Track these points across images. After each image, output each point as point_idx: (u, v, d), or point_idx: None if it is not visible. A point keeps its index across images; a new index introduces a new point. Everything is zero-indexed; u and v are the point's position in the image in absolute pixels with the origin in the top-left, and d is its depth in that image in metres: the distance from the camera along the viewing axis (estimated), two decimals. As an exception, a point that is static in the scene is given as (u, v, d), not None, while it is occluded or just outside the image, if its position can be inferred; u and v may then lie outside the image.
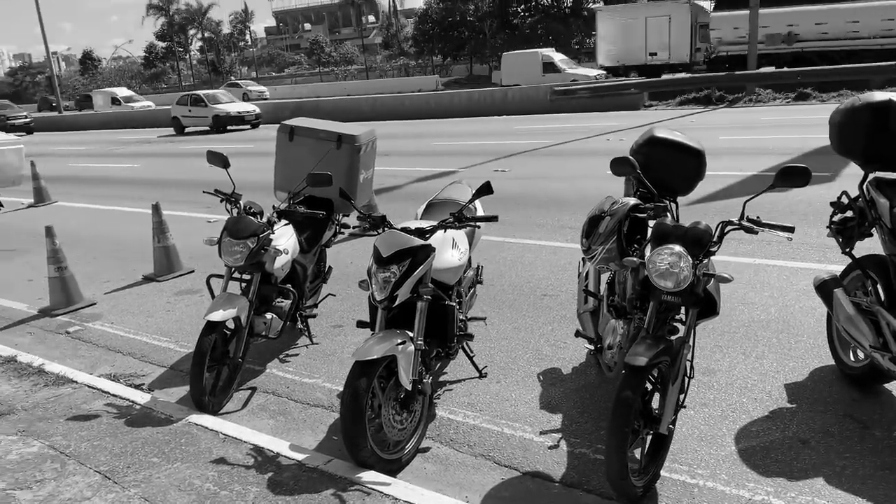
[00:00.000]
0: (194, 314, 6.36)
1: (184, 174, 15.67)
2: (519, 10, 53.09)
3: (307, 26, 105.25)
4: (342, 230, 5.79)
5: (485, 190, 3.72)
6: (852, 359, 4.10)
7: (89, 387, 4.83)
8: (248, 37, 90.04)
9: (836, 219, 3.99)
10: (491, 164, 13.20)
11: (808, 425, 3.72)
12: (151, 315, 6.44)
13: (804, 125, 14.46)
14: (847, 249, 3.90)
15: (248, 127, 28.47)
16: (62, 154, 23.24)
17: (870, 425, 3.66)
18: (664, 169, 4.20)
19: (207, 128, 28.24)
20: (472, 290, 4.74)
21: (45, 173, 13.86)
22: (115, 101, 40.60)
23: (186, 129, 29.25)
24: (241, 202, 4.79)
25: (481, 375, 4.55)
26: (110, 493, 3.49)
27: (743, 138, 13.08)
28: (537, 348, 4.98)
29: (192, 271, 7.63)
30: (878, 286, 3.71)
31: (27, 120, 37.00)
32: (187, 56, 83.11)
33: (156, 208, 7.47)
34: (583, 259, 4.69)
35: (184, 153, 20.10)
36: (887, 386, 3.99)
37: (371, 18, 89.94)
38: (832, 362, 4.29)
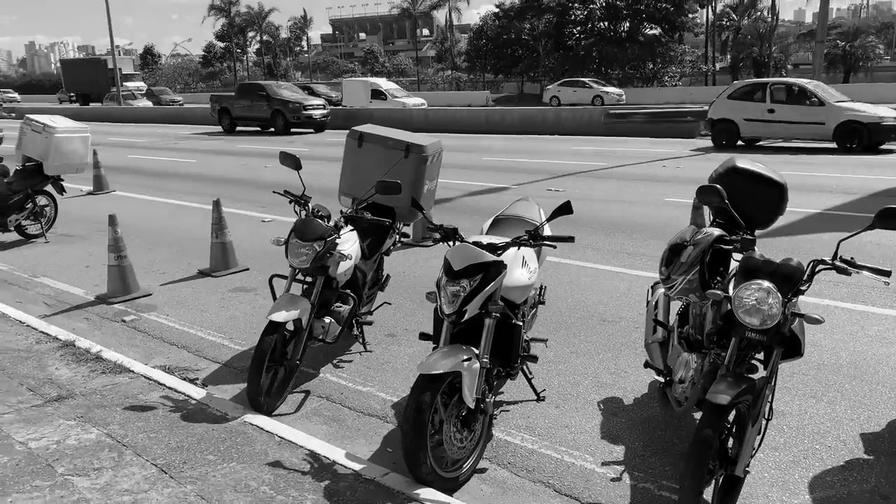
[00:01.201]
0: (248, 312, 6.37)
1: (238, 172, 15.86)
2: (575, 31, 52.94)
3: (362, 35, 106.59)
4: (402, 239, 5.75)
5: (564, 209, 3.64)
6: (936, 413, 3.91)
7: (145, 377, 4.84)
8: (304, 42, 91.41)
9: (926, 265, 3.82)
10: (543, 182, 13.10)
11: (887, 479, 3.54)
12: (206, 310, 6.47)
13: (864, 165, 14.09)
14: None
15: (311, 130, 27.20)
16: (121, 145, 23.74)
17: (955, 485, 3.48)
18: (745, 200, 4.07)
19: (259, 127, 27.41)
20: (533, 311, 4.65)
21: (105, 163, 14.16)
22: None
23: (238, 127, 28.17)
24: (309, 205, 4.79)
25: (539, 399, 4.45)
26: (167, 487, 3.47)
27: (800, 174, 12.78)
28: (597, 375, 4.86)
29: (248, 269, 7.67)
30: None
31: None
32: (244, 57, 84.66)
33: (216, 204, 7.53)
34: (652, 287, 4.59)
35: (238, 152, 20.38)
36: (973, 445, 3.79)
37: (426, 32, 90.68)
38: (912, 415, 4.10)
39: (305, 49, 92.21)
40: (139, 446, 3.87)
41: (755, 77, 50.01)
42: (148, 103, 46.01)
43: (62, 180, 9.73)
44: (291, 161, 4.91)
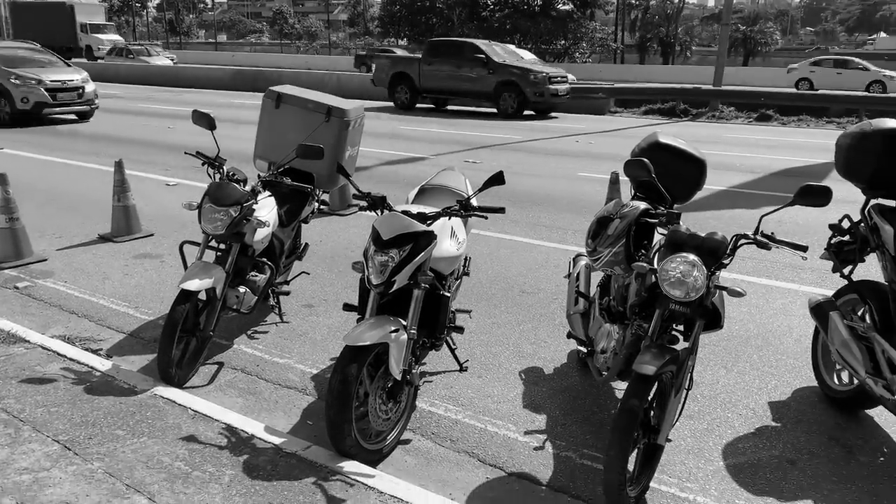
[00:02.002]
0: (154, 280, 6.06)
1: (138, 133, 15.07)
2: (489, 2, 52.87)
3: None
4: (321, 207, 5.58)
5: (496, 180, 3.58)
6: (837, 382, 4.12)
7: (43, 348, 4.52)
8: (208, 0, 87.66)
9: (833, 241, 3.99)
10: (461, 153, 13.06)
11: (794, 446, 3.71)
12: (108, 277, 6.11)
13: (767, 146, 14.75)
14: (844, 272, 3.91)
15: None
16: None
17: (855, 450, 3.68)
18: (666, 175, 4.12)
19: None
20: (458, 282, 4.60)
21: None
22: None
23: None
24: (224, 167, 4.55)
25: (462, 369, 4.43)
26: (71, 465, 3.24)
27: (708, 152, 13.24)
28: (518, 345, 4.88)
29: (152, 234, 7.29)
30: (874, 311, 3.72)
31: None
32: (144, 12, 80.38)
33: (118, 165, 7.10)
34: (573, 259, 4.62)
35: (141, 111, 19.36)
36: (870, 412, 4.02)
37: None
38: (814, 383, 4.31)
39: (210, 6, 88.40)
40: (38, 422, 3.60)
41: (662, 57, 51.50)
42: (167, 61, 38.80)
43: (-57, 135, 8.95)
44: (205, 120, 4.64)
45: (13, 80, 15.74)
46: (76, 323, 5.16)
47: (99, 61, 38.50)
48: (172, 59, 40.79)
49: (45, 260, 6.49)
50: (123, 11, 77.25)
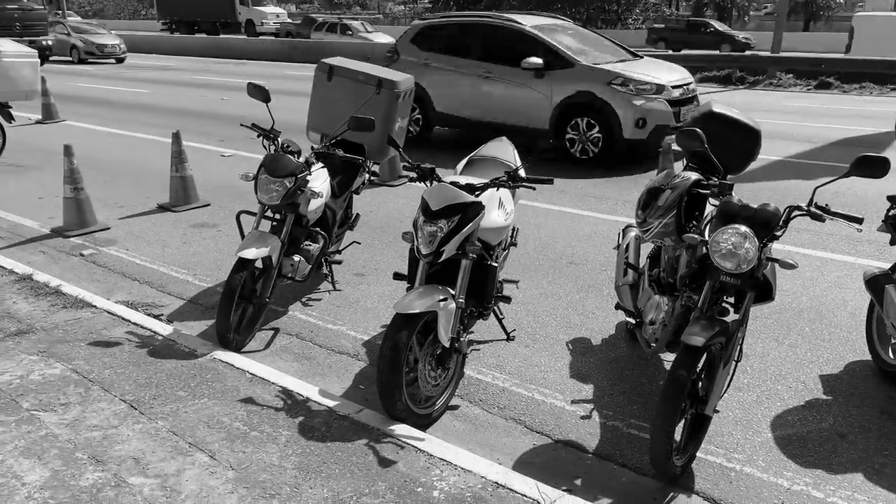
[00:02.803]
0: (212, 248, 6.25)
1: (194, 104, 15.36)
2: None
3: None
4: (372, 177, 5.65)
5: (545, 150, 3.59)
6: (892, 356, 4.06)
7: (108, 313, 4.73)
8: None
9: (891, 213, 3.91)
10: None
11: (844, 419, 3.68)
12: (167, 245, 6.33)
13: (827, 115, 14.28)
14: None
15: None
16: (65, 72, 22.76)
17: (908, 425, 3.63)
18: (719, 145, 4.07)
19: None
20: (506, 252, 4.64)
21: (51, 89, 13.57)
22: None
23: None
24: (279, 139, 4.65)
25: (509, 338, 4.48)
26: (137, 423, 3.42)
27: (764, 121, 12.90)
28: (565, 316, 4.91)
29: (209, 205, 7.49)
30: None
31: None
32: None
33: (176, 136, 7.29)
34: (623, 231, 4.61)
35: (197, 83, 19.71)
36: (925, 387, 3.96)
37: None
38: (868, 357, 4.25)
39: None
40: (106, 382, 3.80)
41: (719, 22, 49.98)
42: (388, 38, 30.07)
43: (10, 107, 9.30)
44: (260, 93, 4.73)
45: (623, 92, 8.98)
46: (138, 289, 5.37)
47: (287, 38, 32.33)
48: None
49: (108, 228, 6.75)
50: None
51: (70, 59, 26.75)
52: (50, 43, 24.76)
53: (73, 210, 6.63)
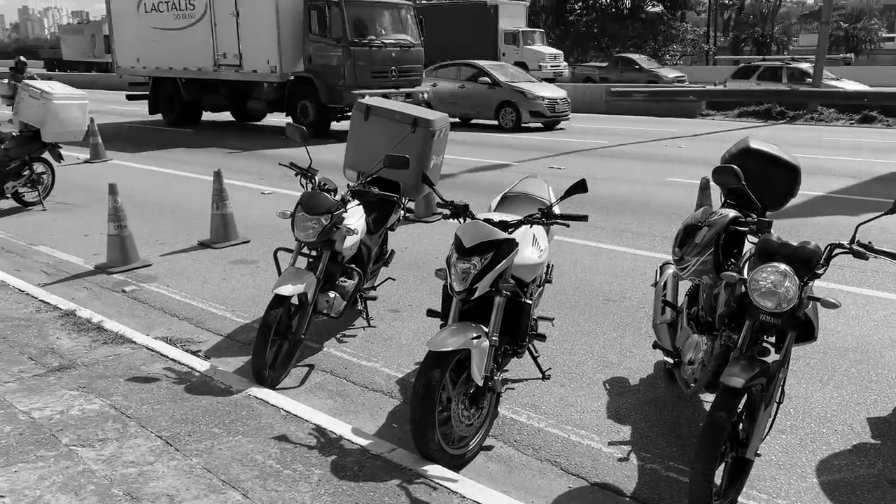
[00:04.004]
0: (250, 284, 6.32)
1: (236, 142, 15.71)
2: (576, 6, 52.38)
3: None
4: (406, 215, 5.70)
5: (579, 187, 3.59)
6: (943, 399, 3.91)
7: (147, 348, 4.80)
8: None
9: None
10: (545, 160, 13.01)
11: (895, 464, 3.54)
12: (207, 281, 6.42)
13: (869, 149, 14.03)
14: None
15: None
16: (115, 113, 23.48)
17: (963, 472, 3.48)
18: (757, 182, 4.01)
19: None
20: (541, 289, 4.61)
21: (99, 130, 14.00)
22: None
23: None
24: (316, 178, 4.72)
25: (545, 377, 4.43)
26: (172, 459, 3.44)
27: (804, 157, 12.71)
28: (602, 355, 4.84)
29: (248, 241, 7.61)
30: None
31: None
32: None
33: (217, 175, 7.45)
34: (660, 268, 4.55)
35: (239, 124, 20.17)
36: (980, 431, 3.79)
37: None
38: (918, 400, 4.10)
39: None
40: (143, 418, 3.84)
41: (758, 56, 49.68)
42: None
43: (60, 148, 9.62)
44: (298, 133, 4.83)
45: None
46: (177, 325, 5.45)
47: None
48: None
49: (150, 265, 6.88)
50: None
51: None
52: (427, 97, 17.12)
53: (117, 247, 6.78)
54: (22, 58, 17.93)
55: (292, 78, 16.28)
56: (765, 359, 3.22)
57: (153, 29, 18.45)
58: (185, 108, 18.97)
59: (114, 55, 20.24)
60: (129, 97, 20.70)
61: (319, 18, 15.76)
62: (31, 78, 13.92)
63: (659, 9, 50.42)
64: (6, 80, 15.43)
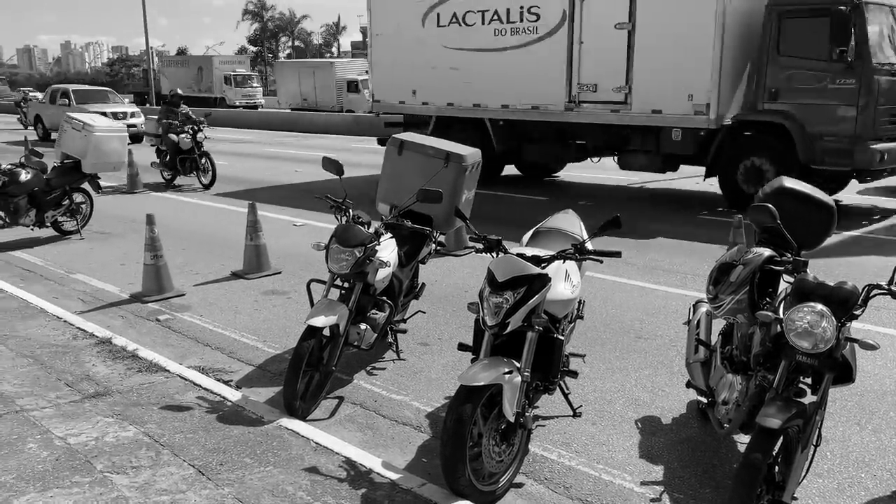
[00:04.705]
0: (281, 315, 6.39)
1: (268, 174, 15.96)
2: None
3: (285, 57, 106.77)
4: (438, 248, 5.73)
5: (613, 224, 3.60)
6: None
7: (180, 377, 4.87)
8: (335, 48, 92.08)
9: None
10: (576, 197, 13.02)
11: (937, 513, 3.45)
12: (239, 312, 6.50)
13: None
14: None
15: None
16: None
17: None
18: (792, 221, 3.99)
19: None
20: (572, 325, 4.60)
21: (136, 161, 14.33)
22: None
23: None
24: (350, 210, 4.79)
25: (576, 415, 4.39)
26: (204, 488, 3.47)
27: (839, 195, 12.59)
28: (634, 393, 4.79)
29: (280, 272, 7.70)
30: None
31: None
32: (276, 62, 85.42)
33: (252, 207, 7.58)
34: (693, 306, 4.52)
35: (269, 155, 20.52)
36: None
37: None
38: (961, 446, 3.99)
39: (336, 55, 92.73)
40: (176, 446, 3.88)
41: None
42: None
43: (99, 178, 9.87)
44: (334, 167, 4.92)
45: None
46: (210, 354, 5.51)
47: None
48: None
49: (184, 295, 6.99)
50: (256, 62, 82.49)
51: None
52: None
53: (152, 276, 6.90)
54: (178, 90, 15.52)
55: (730, 122, 10.65)
56: (801, 400, 3.17)
57: (449, 50, 13.21)
58: (493, 162, 13.30)
59: (370, 86, 15.29)
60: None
61: (810, 32, 9.83)
62: (186, 115, 13.92)
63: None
64: (157, 117, 14.49)
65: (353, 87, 37.97)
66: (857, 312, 3.09)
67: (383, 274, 4.75)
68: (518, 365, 3.56)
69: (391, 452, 4.06)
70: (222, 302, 6.79)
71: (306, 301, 4.82)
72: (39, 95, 34.19)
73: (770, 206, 3.52)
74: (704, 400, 3.97)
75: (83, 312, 6.42)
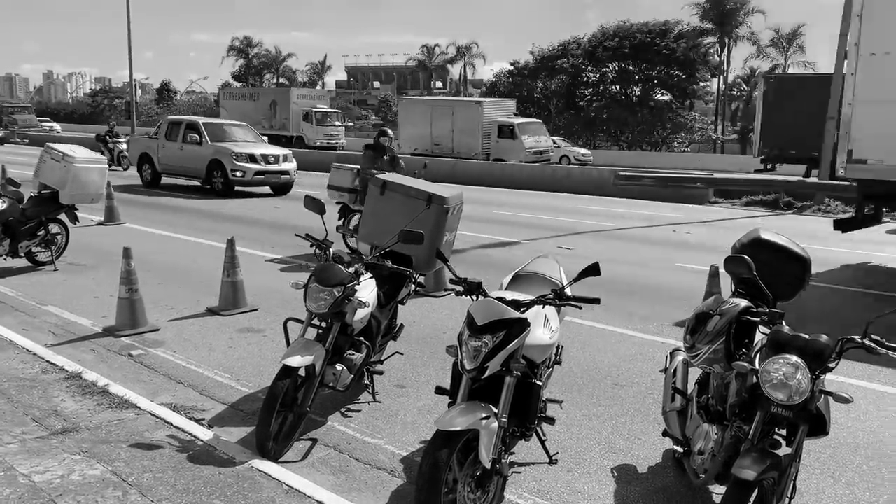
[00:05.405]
0: (256, 353, 6.31)
1: (243, 210, 15.92)
2: (587, 92, 53.81)
3: (376, 84, 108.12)
4: (417, 289, 5.73)
5: (592, 271, 3.63)
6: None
7: (152, 415, 4.78)
8: (319, 86, 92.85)
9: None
10: (554, 239, 13.12)
11: (910, 568, 3.44)
12: (213, 349, 6.42)
13: (880, 241, 14.11)
14: None
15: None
16: (133, 177, 23.90)
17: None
18: (768, 272, 4.05)
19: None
20: (550, 370, 4.59)
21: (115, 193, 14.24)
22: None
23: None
24: (330, 250, 4.78)
25: (552, 462, 4.36)
26: (171, 531, 3.38)
27: (811, 247, 12.78)
28: (610, 441, 4.78)
29: (256, 309, 7.63)
30: None
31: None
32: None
33: (230, 243, 7.54)
34: (670, 354, 4.54)
35: (245, 191, 20.47)
36: None
37: (439, 84, 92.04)
38: (933, 501, 4.01)
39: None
40: (144, 486, 3.78)
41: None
42: None
43: (76, 209, 9.78)
44: (316, 206, 4.93)
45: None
46: (182, 392, 5.42)
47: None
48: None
49: (158, 330, 6.89)
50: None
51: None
52: None
53: (127, 310, 6.81)
54: (390, 135, 11.01)
55: None
56: (776, 452, 3.18)
57: None
58: None
59: (846, 130, 9.33)
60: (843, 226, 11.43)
61: None
62: (392, 157, 10.53)
63: (667, 97, 51.71)
64: (355, 169, 10.85)
65: (506, 131, 32.70)
66: (832, 365, 3.12)
67: (362, 314, 4.73)
68: (495, 410, 3.54)
69: (364, 497, 3.99)
70: (197, 338, 6.70)
71: (282, 339, 4.78)
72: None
73: (746, 257, 3.57)
74: (680, 449, 3.96)
75: (53, 346, 6.31)
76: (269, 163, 18.87)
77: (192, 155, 19.07)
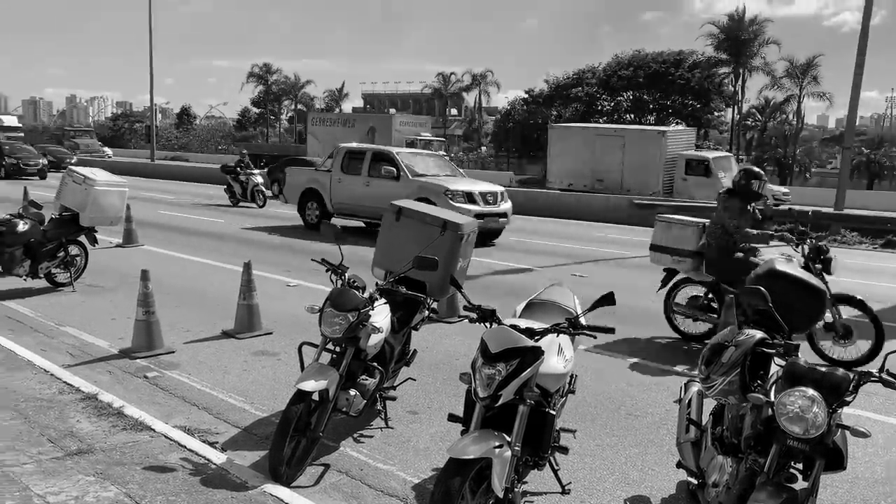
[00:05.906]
0: (270, 377, 6.34)
1: (264, 235, 16.03)
2: (601, 121, 54.01)
3: (392, 111, 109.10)
4: (431, 314, 5.75)
5: (607, 300, 3.64)
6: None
7: (166, 437, 4.80)
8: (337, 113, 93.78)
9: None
10: (568, 267, 13.11)
11: None
12: (228, 372, 6.45)
13: (893, 273, 14.00)
14: None
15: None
16: (151, 200, 24.17)
17: None
18: (783, 304, 4.04)
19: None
20: (563, 399, 4.58)
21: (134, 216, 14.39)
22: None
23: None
24: (346, 275, 4.82)
25: (564, 492, 4.32)
26: (183, 555, 3.38)
27: (829, 279, 12.68)
28: (623, 471, 4.74)
29: (271, 333, 7.66)
30: None
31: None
32: (277, 124, 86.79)
33: (247, 266, 7.61)
34: (685, 385, 4.52)
35: (262, 214, 20.65)
36: None
37: (454, 111, 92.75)
38: (953, 539, 3.94)
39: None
40: (157, 509, 3.80)
41: (779, 178, 50.09)
42: None
43: (96, 231, 9.90)
44: (332, 232, 4.98)
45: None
46: (196, 414, 5.44)
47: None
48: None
49: (174, 352, 6.94)
50: (259, 123, 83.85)
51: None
52: None
53: (143, 332, 6.87)
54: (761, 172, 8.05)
55: None
56: (792, 486, 3.15)
57: None
58: None
59: None
60: None
61: None
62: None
63: (682, 126, 51.75)
64: (700, 225, 7.98)
65: (698, 167, 26.97)
66: (849, 399, 3.10)
67: (376, 339, 4.75)
68: (509, 439, 3.53)
69: (376, 524, 3.98)
70: (212, 361, 6.74)
71: (296, 363, 4.80)
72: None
73: (762, 289, 3.57)
74: (695, 481, 3.93)
75: (70, 366, 6.36)
76: (489, 203, 15.15)
77: (385, 193, 14.05)
